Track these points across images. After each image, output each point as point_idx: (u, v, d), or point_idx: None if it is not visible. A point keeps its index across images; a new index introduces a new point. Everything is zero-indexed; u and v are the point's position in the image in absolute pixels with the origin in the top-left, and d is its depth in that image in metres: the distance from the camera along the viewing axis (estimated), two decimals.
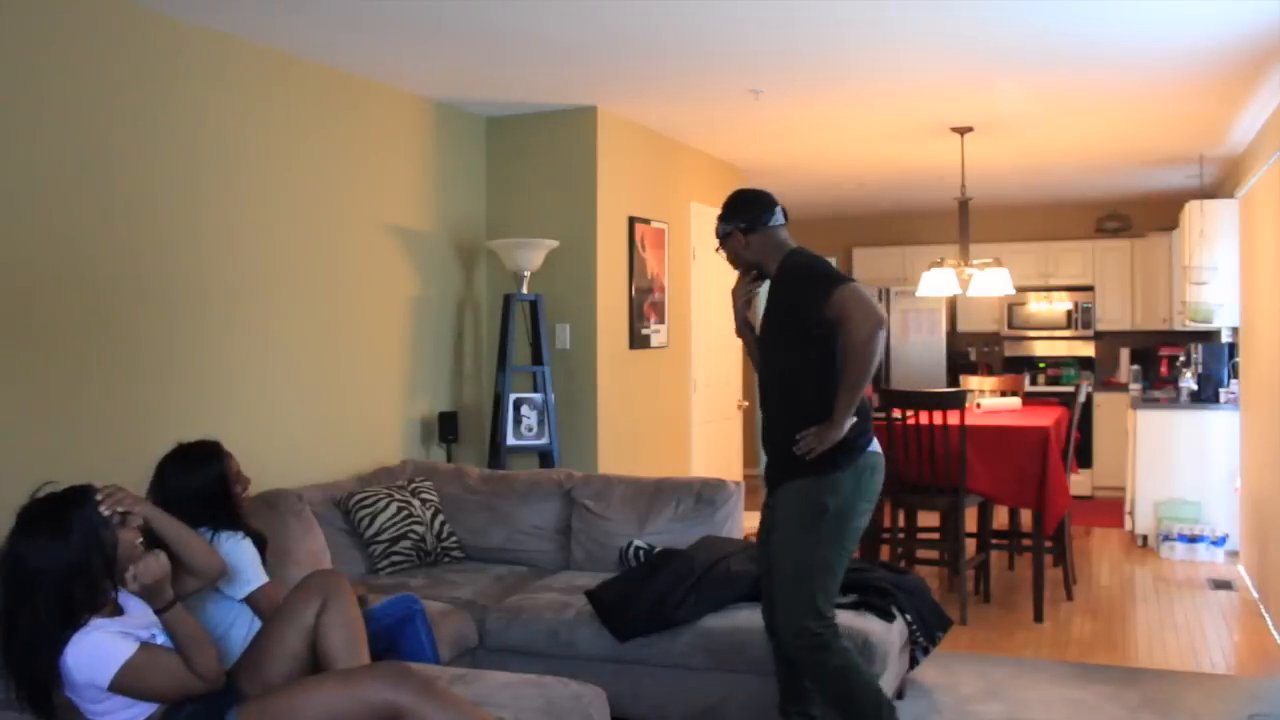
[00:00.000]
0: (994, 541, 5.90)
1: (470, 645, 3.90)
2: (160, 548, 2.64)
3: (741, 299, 3.48)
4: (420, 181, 5.34)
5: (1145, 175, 8.02)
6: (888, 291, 9.89)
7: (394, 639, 3.31)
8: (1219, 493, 6.93)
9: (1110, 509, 8.30)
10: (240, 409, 4.22)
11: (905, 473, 5.42)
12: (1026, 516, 6.14)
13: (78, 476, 2.66)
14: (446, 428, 5.37)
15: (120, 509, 2.59)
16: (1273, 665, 4.76)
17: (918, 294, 6.99)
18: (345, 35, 4.26)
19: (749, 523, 4.87)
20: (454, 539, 4.62)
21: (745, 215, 3.39)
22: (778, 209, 3.39)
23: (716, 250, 3.50)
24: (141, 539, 2.63)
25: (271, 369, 4.39)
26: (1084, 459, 8.79)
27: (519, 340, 5.46)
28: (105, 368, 3.67)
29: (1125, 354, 9.26)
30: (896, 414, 5.40)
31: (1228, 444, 6.89)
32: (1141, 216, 9.51)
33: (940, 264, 6.66)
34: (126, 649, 2.45)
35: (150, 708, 2.56)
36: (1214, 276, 6.78)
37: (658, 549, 4.25)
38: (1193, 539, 6.83)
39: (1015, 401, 6.64)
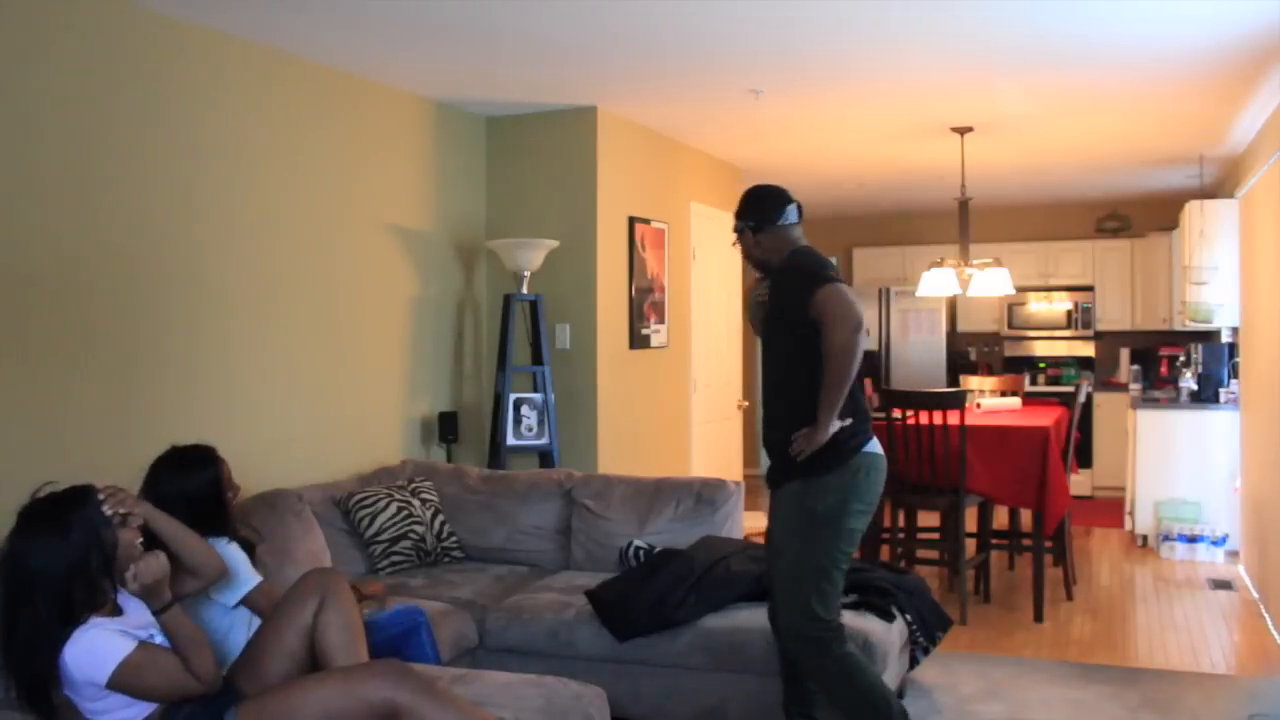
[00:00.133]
0: (994, 541, 5.90)
1: (470, 645, 3.90)
2: (159, 549, 2.64)
3: (754, 298, 3.48)
4: (420, 181, 5.34)
5: (1145, 175, 8.02)
6: (888, 291, 9.89)
7: (398, 650, 3.30)
8: (1219, 493, 6.93)
9: (1110, 509, 8.30)
10: (240, 409, 4.22)
11: (905, 473, 5.41)
12: (1026, 516, 6.14)
13: (76, 477, 2.66)
14: (446, 428, 5.37)
15: (122, 510, 2.59)
16: (1273, 665, 4.76)
17: (918, 294, 7.00)
18: (345, 35, 4.26)
19: (749, 523, 4.88)
20: (454, 539, 4.62)
21: (755, 214, 3.38)
22: (789, 208, 3.37)
23: (733, 245, 3.51)
24: (141, 540, 2.63)
25: (271, 369, 4.39)
26: (1084, 459, 8.79)
27: (519, 340, 5.45)
28: (104, 368, 3.67)
29: (1125, 354, 9.26)
30: (896, 414, 5.40)
31: (1228, 444, 6.89)
32: (1141, 216, 9.51)
33: (940, 264, 6.66)
34: (125, 647, 2.46)
35: (148, 708, 2.56)
36: (1214, 276, 6.78)
37: (658, 549, 4.25)
38: (1193, 539, 6.83)
39: (1015, 401, 6.65)
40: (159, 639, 2.56)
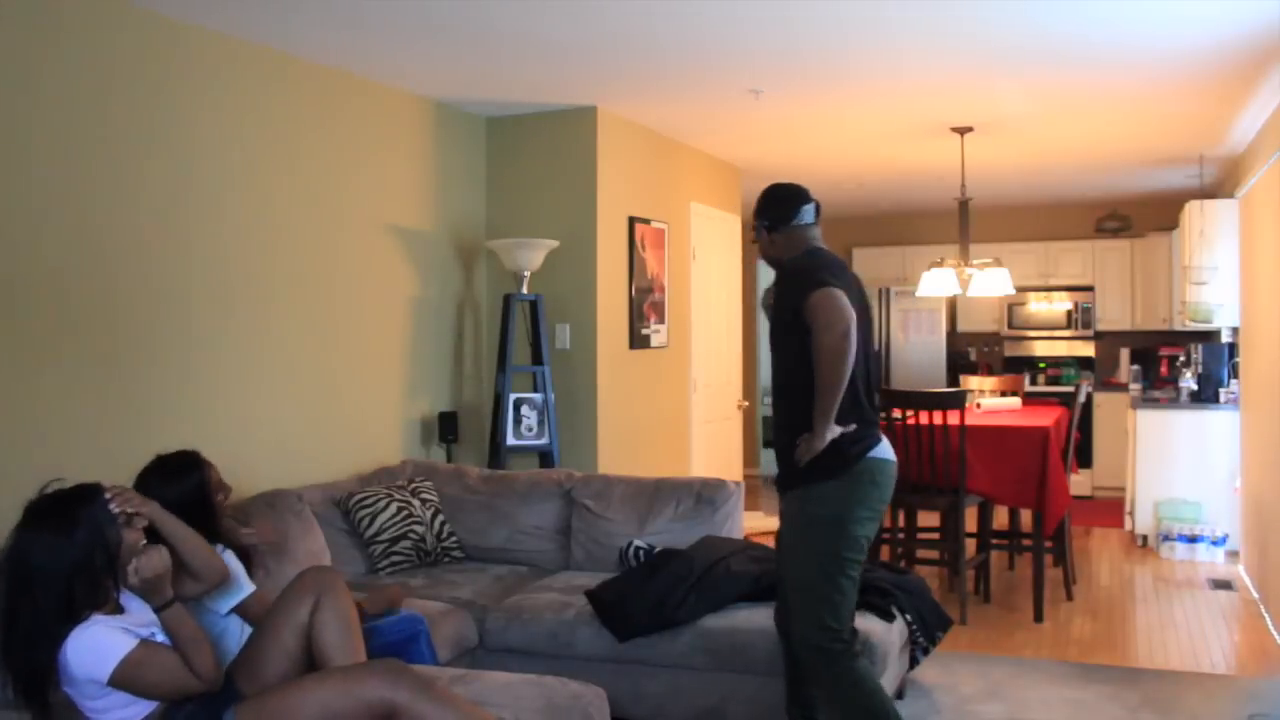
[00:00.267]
0: (994, 541, 5.90)
1: (470, 645, 3.90)
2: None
3: (763, 300, 3.47)
4: (420, 181, 5.34)
5: (1145, 175, 8.02)
6: (888, 291, 9.89)
7: (397, 656, 3.29)
8: (1219, 493, 6.92)
9: (1110, 509, 8.30)
10: (240, 409, 4.22)
11: (905, 473, 5.36)
12: (1026, 516, 6.14)
13: (75, 477, 2.65)
14: (446, 428, 5.37)
15: (129, 509, 2.59)
16: (1273, 665, 4.76)
17: (918, 294, 7.00)
18: (345, 35, 4.25)
19: (749, 523, 4.89)
20: (454, 539, 4.62)
21: (770, 212, 3.38)
22: (805, 207, 3.34)
23: (752, 242, 3.52)
24: (144, 540, 2.63)
25: (271, 369, 4.39)
26: (1084, 459, 8.79)
27: (519, 340, 5.45)
28: (102, 368, 3.67)
29: (1125, 354, 9.26)
30: (896, 414, 5.40)
31: (1228, 444, 6.89)
32: (1141, 216, 9.50)
33: (940, 264, 6.66)
34: (126, 644, 2.46)
35: (149, 706, 2.56)
36: (1214, 276, 6.78)
37: (658, 549, 4.25)
38: (1193, 539, 6.83)
39: (1015, 401, 6.64)
40: (160, 638, 2.56)
